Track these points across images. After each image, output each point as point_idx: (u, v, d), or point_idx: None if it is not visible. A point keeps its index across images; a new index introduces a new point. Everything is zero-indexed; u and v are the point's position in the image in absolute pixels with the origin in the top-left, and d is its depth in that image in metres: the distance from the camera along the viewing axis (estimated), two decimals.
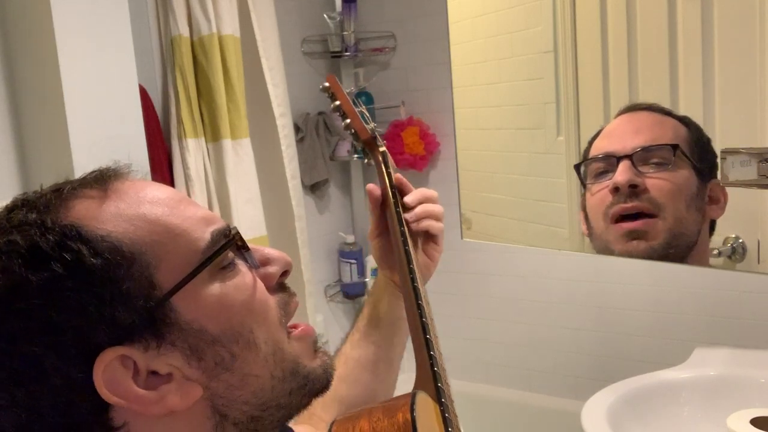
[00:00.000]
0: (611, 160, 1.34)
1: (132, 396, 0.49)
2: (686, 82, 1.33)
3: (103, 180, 0.56)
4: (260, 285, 0.56)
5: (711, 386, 1.33)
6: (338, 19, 2.32)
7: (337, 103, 1.04)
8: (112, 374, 0.49)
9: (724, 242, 1.30)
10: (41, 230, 0.49)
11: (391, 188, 0.97)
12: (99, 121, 1.53)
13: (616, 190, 1.31)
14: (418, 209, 0.96)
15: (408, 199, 0.95)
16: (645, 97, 1.39)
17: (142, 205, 0.53)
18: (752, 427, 1.13)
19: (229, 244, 0.54)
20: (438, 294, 2.38)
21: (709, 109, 1.29)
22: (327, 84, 1.05)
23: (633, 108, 1.39)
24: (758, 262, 1.27)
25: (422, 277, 0.93)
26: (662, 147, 1.30)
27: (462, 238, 1.80)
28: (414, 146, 2.28)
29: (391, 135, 2.33)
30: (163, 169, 1.80)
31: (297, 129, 2.23)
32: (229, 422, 0.54)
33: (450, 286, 2.39)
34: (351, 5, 2.26)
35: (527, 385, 2.31)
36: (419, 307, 0.85)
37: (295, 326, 0.59)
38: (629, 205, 1.30)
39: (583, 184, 1.43)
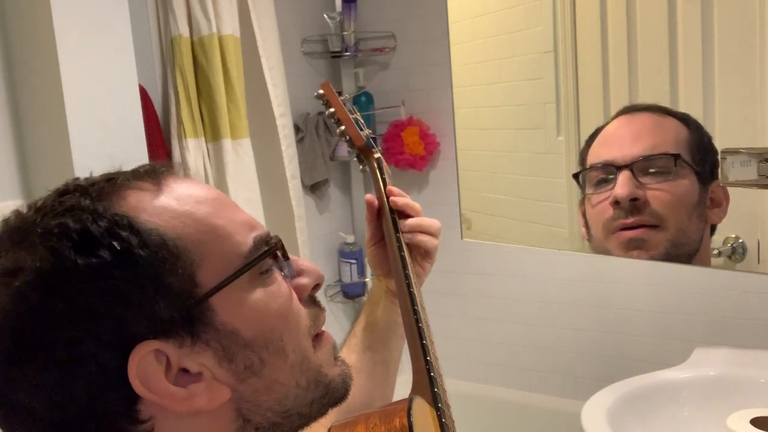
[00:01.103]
0: (611, 169, 1.32)
1: (162, 391, 0.49)
2: (686, 82, 1.33)
3: (155, 174, 0.56)
4: (291, 298, 0.57)
5: (711, 386, 1.33)
6: (338, 19, 2.32)
7: (332, 110, 1.04)
8: (146, 367, 0.49)
9: (724, 242, 1.30)
10: (93, 216, 0.49)
11: (386, 195, 0.97)
12: (99, 121, 1.53)
13: (616, 203, 1.28)
14: (413, 221, 0.95)
15: (407, 222, 0.95)
16: (645, 96, 1.39)
17: (191, 203, 0.54)
18: (752, 427, 1.13)
19: (271, 251, 0.56)
20: (438, 294, 2.39)
21: (709, 109, 1.29)
22: (321, 91, 1.06)
23: (631, 109, 1.37)
24: (758, 262, 1.27)
25: (417, 284, 0.93)
26: (663, 156, 1.28)
27: (462, 238, 1.80)
28: (414, 146, 2.28)
29: (391, 135, 2.33)
30: None
31: (297, 129, 2.23)
32: (251, 427, 0.55)
33: (450, 286, 2.39)
34: (351, 5, 2.26)
35: (527, 385, 2.31)
36: (415, 312, 0.86)
37: (318, 333, 0.60)
38: (630, 220, 1.29)
39: (583, 192, 1.41)
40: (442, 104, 2.23)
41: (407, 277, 0.88)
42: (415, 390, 0.75)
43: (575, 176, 1.43)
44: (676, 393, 1.33)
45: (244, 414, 0.54)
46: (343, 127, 1.04)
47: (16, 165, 1.56)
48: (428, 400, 0.72)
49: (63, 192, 0.53)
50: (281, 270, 0.57)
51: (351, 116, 1.05)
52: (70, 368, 0.48)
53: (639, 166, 1.28)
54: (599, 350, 2.15)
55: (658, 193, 1.28)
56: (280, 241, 0.57)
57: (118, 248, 0.48)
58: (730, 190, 1.25)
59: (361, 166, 1.07)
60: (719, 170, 1.23)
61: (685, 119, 1.31)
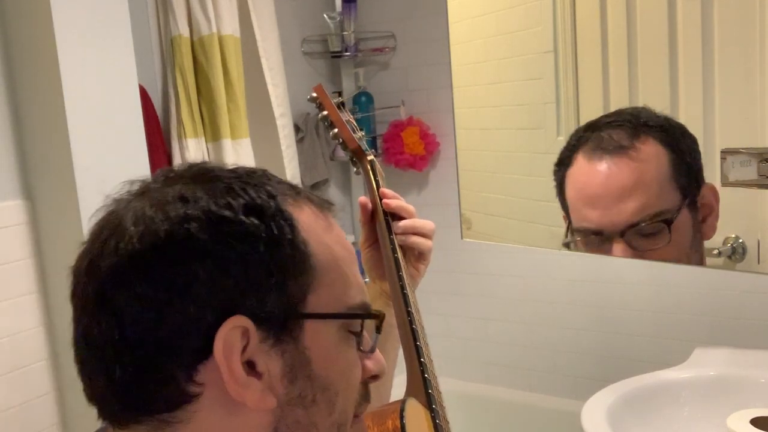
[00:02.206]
0: (602, 238, 1.26)
1: (232, 365, 0.51)
2: (686, 82, 1.32)
3: (325, 206, 0.61)
4: (358, 369, 0.60)
5: (711, 386, 1.33)
6: (338, 19, 2.32)
7: (325, 113, 1.04)
8: (233, 337, 0.51)
9: (724, 242, 1.30)
10: (269, 198, 0.55)
11: (380, 197, 0.97)
12: (99, 121, 1.53)
13: None
14: (406, 223, 0.95)
15: (400, 224, 0.96)
16: (645, 97, 1.39)
17: (336, 243, 0.58)
18: (752, 427, 1.13)
19: (374, 317, 0.59)
20: (438, 294, 2.39)
21: (709, 109, 1.29)
22: (314, 94, 1.06)
23: (604, 151, 1.26)
24: (758, 262, 1.27)
25: (411, 286, 0.93)
26: (655, 222, 1.21)
27: (462, 238, 1.80)
28: (414, 146, 2.28)
29: (391, 135, 2.33)
30: None
31: (297, 129, 2.23)
32: None
33: (450, 286, 2.39)
34: (351, 5, 2.26)
35: (527, 385, 2.31)
36: (409, 314, 0.86)
37: (357, 414, 0.62)
38: None
39: (573, 240, 1.35)
40: (442, 104, 2.23)
41: (401, 278, 0.88)
42: (410, 392, 0.75)
43: (566, 245, 1.37)
44: (676, 393, 1.33)
45: None
46: (336, 130, 1.04)
47: (16, 165, 1.56)
48: (422, 402, 0.72)
49: (253, 171, 0.58)
50: (359, 343, 0.60)
51: (344, 118, 1.05)
52: (176, 298, 0.51)
53: (631, 234, 1.22)
54: (599, 350, 2.15)
55: (656, 254, 1.24)
56: (383, 317, 0.60)
57: (274, 231, 0.53)
58: (730, 190, 1.25)
59: (354, 169, 1.07)
60: (719, 171, 1.22)
61: (662, 132, 1.26)
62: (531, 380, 2.31)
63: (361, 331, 0.59)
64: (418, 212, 0.99)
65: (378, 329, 0.60)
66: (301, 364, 0.54)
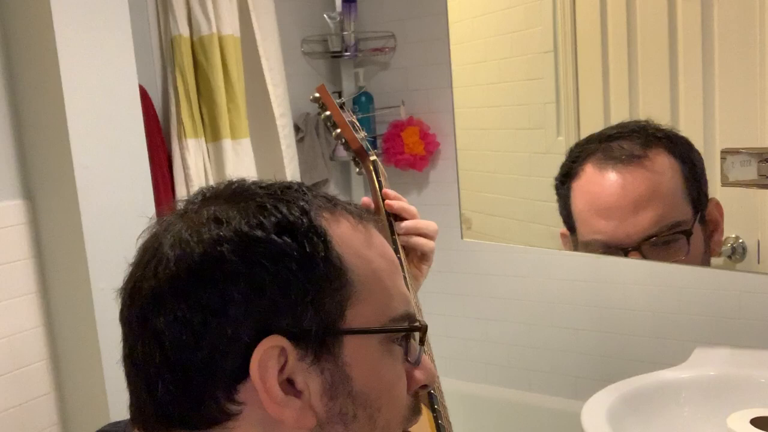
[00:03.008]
0: (617, 252, 1.21)
1: (269, 384, 0.52)
2: (686, 82, 1.32)
3: (363, 216, 0.61)
4: (404, 381, 0.59)
5: (711, 386, 1.33)
6: (338, 19, 2.32)
7: (328, 113, 1.04)
8: (269, 357, 0.52)
9: (724, 242, 1.30)
10: (302, 214, 0.55)
11: (382, 198, 0.97)
12: (99, 121, 1.53)
13: None
14: (409, 224, 0.95)
15: (402, 224, 0.96)
16: (645, 97, 1.38)
17: (376, 254, 0.58)
18: (752, 427, 1.13)
19: (416, 329, 0.59)
20: (438, 294, 2.39)
21: (709, 109, 1.29)
22: (317, 95, 1.06)
23: (617, 160, 1.22)
24: (758, 262, 1.26)
25: (413, 286, 0.94)
26: (675, 234, 1.16)
27: (462, 238, 1.80)
28: (414, 146, 2.28)
29: (391, 135, 2.33)
30: (163, 169, 1.80)
31: (297, 129, 2.23)
32: None
33: (450, 286, 2.39)
34: (351, 5, 2.26)
35: (527, 385, 2.31)
36: None
37: (404, 430, 0.61)
38: None
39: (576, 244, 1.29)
40: (442, 104, 2.23)
41: (403, 279, 0.88)
42: None
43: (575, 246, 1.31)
44: (676, 393, 1.33)
45: None
46: (338, 130, 1.04)
47: (16, 165, 1.56)
48: (425, 402, 0.72)
49: (288, 186, 0.58)
50: (406, 353, 0.59)
51: (347, 119, 1.05)
52: (213, 319, 0.51)
53: (647, 246, 1.18)
54: (599, 350, 2.15)
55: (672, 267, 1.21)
56: (426, 327, 0.60)
57: (307, 249, 0.53)
58: (730, 190, 1.25)
59: (357, 169, 1.07)
60: (719, 172, 1.22)
61: (672, 143, 1.23)
62: (531, 380, 2.30)
63: (408, 341, 0.59)
64: (418, 212, 0.99)
65: (422, 341, 0.59)
66: (341, 381, 0.54)
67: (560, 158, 1.53)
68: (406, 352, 0.59)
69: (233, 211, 0.54)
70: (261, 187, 0.58)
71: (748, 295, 1.85)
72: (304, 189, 0.58)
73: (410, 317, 0.59)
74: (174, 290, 0.53)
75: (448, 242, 1.89)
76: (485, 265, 2.32)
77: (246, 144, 1.90)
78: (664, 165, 1.20)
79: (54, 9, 1.44)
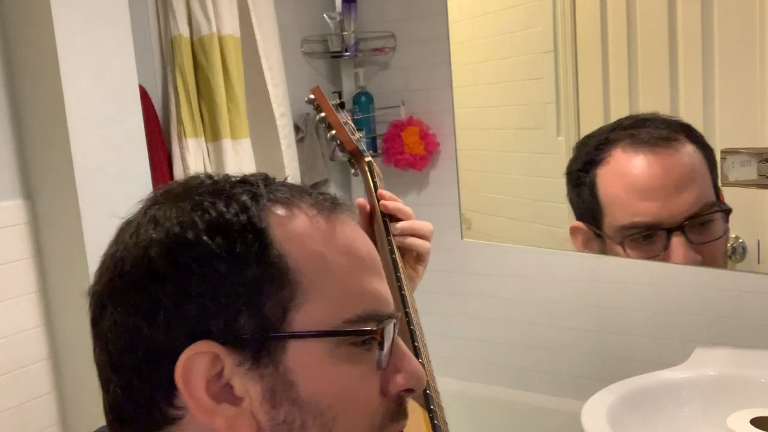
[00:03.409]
0: (660, 233, 1.18)
1: (193, 392, 0.50)
2: (686, 83, 1.32)
3: (331, 205, 0.56)
4: (374, 386, 0.54)
5: (711, 386, 1.33)
6: (338, 19, 2.32)
7: (323, 114, 1.05)
8: (196, 364, 0.49)
9: None
10: (241, 211, 0.51)
11: (377, 198, 0.97)
12: (99, 121, 1.53)
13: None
14: (404, 224, 0.95)
15: (397, 225, 0.95)
16: (645, 96, 1.38)
17: (335, 248, 0.53)
18: (752, 427, 1.13)
19: (368, 333, 0.53)
20: (438, 294, 2.39)
21: (709, 109, 1.29)
22: (312, 96, 1.06)
23: (652, 144, 1.21)
24: (758, 262, 1.26)
25: (409, 287, 0.93)
26: (716, 212, 1.16)
27: (462, 238, 1.80)
28: (414, 146, 2.28)
29: (391, 135, 2.33)
30: (163, 169, 1.80)
31: (297, 129, 2.23)
32: None
33: (450, 286, 2.39)
34: (351, 5, 2.26)
35: (527, 385, 2.31)
36: (407, 315, 0.86)
37: None
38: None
39: (598, 234, 1.26)
40: (442, 104, 2.23)
41: (399, 279, 0.88)
42: None
43: (597, 234, 1.28)
44: (676, 393, 1.33)
45: None
46: (333, 132, 1.05)
47: (16, 165, 1.56)
48: (420, 403, 0.72)
49: (243, 180, 0.55)
50: (379, 356, 0.54)
51: (342, 120, 1.05)
52: (144, 324, 0.50)
53: (689, 226, 1.16)
54: (599, 350, 2.15)
55: (707, 248, 1.19)
56: (384, 330, 0.53)
57: (238, 250, 0.50)
58: (730, 189, 1.25)
59: (353, 170, 1.07)
60: (719, 172, 1.22)
61: (688, 130, 1.23)
62: (531, 380, 2.30)
63: (375, 342, 0.53)
64: (418, 212, 0.99)
65: (381, 346, 0.53)
66: (283, 387, 0.50)
67: (560, 158, 1.53)
68: (380, 355, 0.53)
69: (172, 210, 0.52)
70: (210, 182, 0.55)
71: (748, 295, 1.85)
72: (259, 182, 0.55)
73: (377, 317, 0.53)
74: (111, 294, 0.52)
75: (448, 242, 1.89)
76: (485, 265, 2.32)
77: (246, 144, 1.90)
78: (690, 149, 1.21)
79: (54, 9, 1.44)
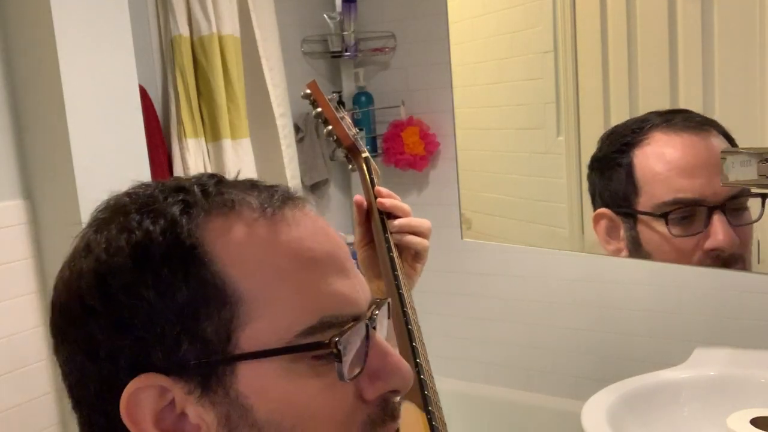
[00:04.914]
0: (701, 209, 1.20)
1: (141, 427, 0.47)
2: (686, 82, 1.32)
3: (283, 201, 0.51)
4: (346, 394, 0.49)
5: (711, 386, 1.33)
6: (338, 19, 2.32)
7: (319, 110, 1.03)
8: (142, 398, 0.46)
9: None
10: (167, 226, 0.47)
11: (375, 195, 0.96)
12: (99, 121, 1.53)
13: (712, 250, 1.20)
14: (402, 222, 0.94)
15: (395, 222, 0.94)
16: (645, 96, 1.38)
17: (283, 251, 0.48)
18: (752, 427, 1.13)
19: (319, 347, 0.47)
20: (438, 294, 2.39)
21: (709, 109, 1.29)
22: (308, 91, 1.04)
23: (691, 127, 1.24)
24: (758, 262, 1.26)
25: (407, 285, 0.93)
26: (755, 195, 1.18)
27: (462, 238, 1.80)
28: (414, 146, 2.28)
29: (391, 135, 2.33)
30: (163, 169, 1.80)
31: (297, 129, 2.23)
32: None
33: (450, 286, 2.39)
34: (351, 5, 2.26)
35: (527, 385, 2.31)
36: (404, 314, 0.85)
37: None
38: (719, 263, 1.21)
39: (634, 215, 1.26)
40: (442, 104, 2.23)
41: (396, 278, 0.88)
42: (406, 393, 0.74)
43: (647, 213, 1.27)
44: (676, 393, 1.33)
45: None
46: (330, 127, 1.03)
47: (16, 165, 1.56)
48: (418, 403, 0.71)
49: (177, 188, 0.50)
50: (340, 367, 0.47)
51: (339, 115, 1.04)
52: (87, 360, 0.48)
53: (730, 205, 1.18)
54: (599, 350, 2.14)
55: (744, 230, 1.21)
56: (341, 337, 0.47)
57: (162, 275, 0.46)
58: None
59: (350, 166, 1.06)
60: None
61: (713, 122, 1.25)
62: (531, 380, 2.30)
63: (333, 352, 0.47)
64: (418, 212, 0.99)
65: (338, 358, 0.47)
66: (238, 413, 0.47)
67: (560, 158, 1.54)
68: (340, 366, 0.47)
69: (103, 232, 0.48)
70: (144, 194, 0.50)
71: (748, 295, 1.85)
72: (195, 189, 0.49)
73: (338, 322, 0.48)
74: (58, 329, 0.50)
75: (448, 242, 1.89)
76: (485, 265, 2.32)
77: (246, 144, 1.90)
78: (721, 139, 1.24)
79: (54, 9, 1.44)
